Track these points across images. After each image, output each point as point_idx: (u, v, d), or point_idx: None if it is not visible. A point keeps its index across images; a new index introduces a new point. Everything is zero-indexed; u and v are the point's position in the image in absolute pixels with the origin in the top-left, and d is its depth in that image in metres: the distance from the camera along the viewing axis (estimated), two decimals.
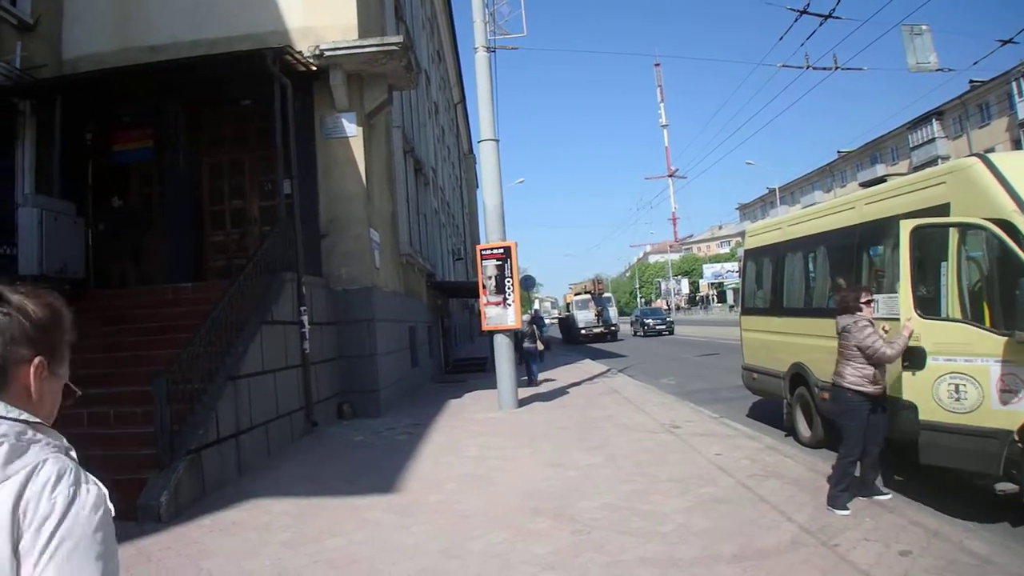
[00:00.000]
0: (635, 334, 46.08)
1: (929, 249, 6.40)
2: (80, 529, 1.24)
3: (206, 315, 8.47)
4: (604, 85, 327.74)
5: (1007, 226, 5.64)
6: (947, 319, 6.07)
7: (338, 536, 6.02)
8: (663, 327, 43.99)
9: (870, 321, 6.20)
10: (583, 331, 41.05)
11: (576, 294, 46.42)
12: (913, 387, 6.10)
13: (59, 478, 1.26)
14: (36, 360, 1.34)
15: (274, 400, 9.73)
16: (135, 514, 6.58)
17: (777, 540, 5.39)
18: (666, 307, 79.03)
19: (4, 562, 1.18)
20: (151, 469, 7.04)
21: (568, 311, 47.31)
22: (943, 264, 6.35)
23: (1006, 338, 5.49)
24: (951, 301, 6.17)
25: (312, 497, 7.35)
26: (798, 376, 9.28)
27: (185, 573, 5.29)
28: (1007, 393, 5.45)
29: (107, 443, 7.71)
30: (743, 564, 4.92)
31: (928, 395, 5.98)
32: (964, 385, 5.76)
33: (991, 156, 6.29)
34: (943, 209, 6.45)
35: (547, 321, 32.36)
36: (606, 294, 46.17)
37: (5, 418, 1.27)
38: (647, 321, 45.47)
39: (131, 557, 5.65)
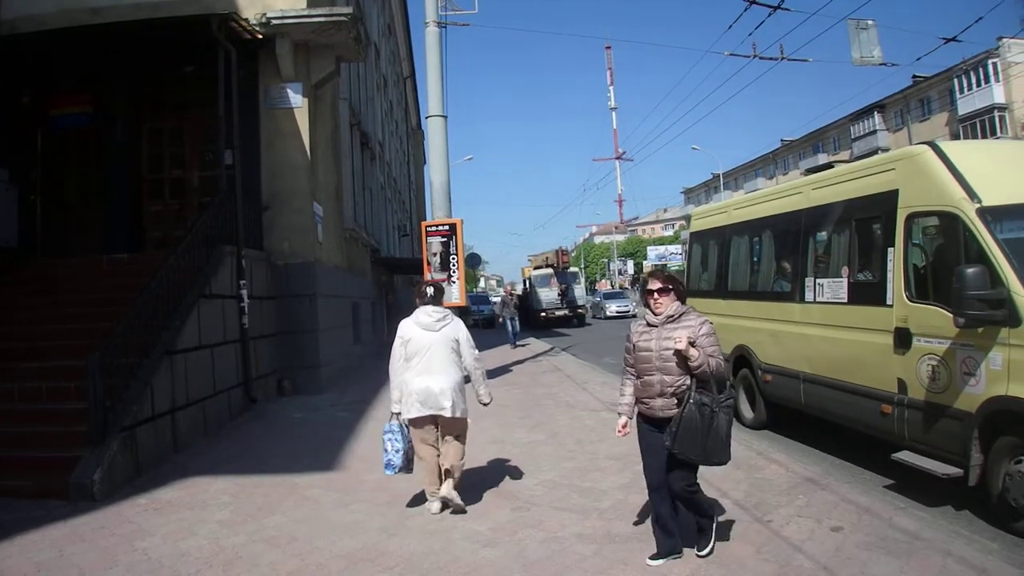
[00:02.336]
0: None
1: (913, 235, 6.36)
2: (467, 331, 5.98)
3: (142, 288, 8.26)
4: (555, 66, 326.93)
5: (956, 216, 5.71)
6: (925, 303, 6.05)
7: (277, 514, 5.96)
8: None
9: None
10: (543, 313, 34.22)
11: (536, 268, 39.48)
12: (903, 367, 6.22)
13: (459, 319, 5.99)
14: (442, 296, 6.11)
15: (211, 376, 9.56)
16: (68, 493, 6.42)
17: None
18: (609, 287, 78.96)
19: (453, 342, 5.80)
20: (84, 446, 6.86)
21: (527, 288, 38.89)
22: (917, 249, 6.39)
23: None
24: (927, 285, 6.20)
25: (250, 475, 7.26)
26: (742, 358, 9.39)
27: (120, 553, 5.18)
28: (967, 375, 5.52)
29: (38, 419, 7.53)
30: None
31: (913, 374, 6.09)
32: (938, 366, 5.82)
33: (941, 144, 6.30)
34: (892, 196, 6.50)
35: (493, 299, 31.97)
36: (571, 269, 38.74)
37: (448, 312, 5.96)
38: None
39: (63, 537, 5.52)
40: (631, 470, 6.88)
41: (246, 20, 11.36)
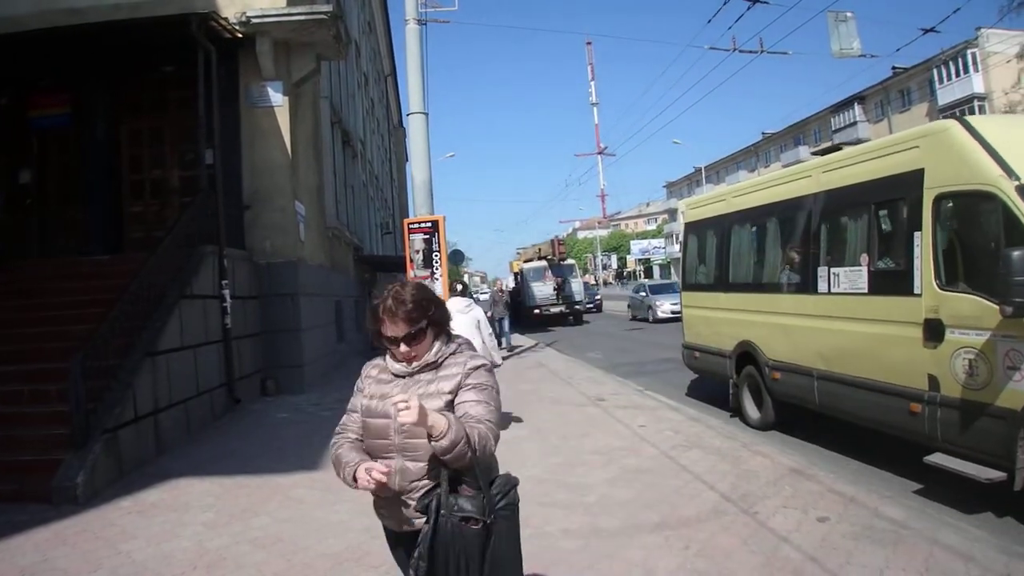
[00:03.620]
0: None
1: (942, 218, 5.79)
2: (484, 314, 8.91)
3: (123, 289, 8.21)
4: (536, 62, 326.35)
5: (993, 195, 5.23)
6: (960, 291, 5.52)
7: (262, 515, 5.95)
8: None
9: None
10: (536, 310, 30.64)
11: (526, 260, 36.17)
12: (935, 362, 5.69)
13: (478, 306, 8.83)
14: (467, 291, 9.69)
15: (194, 377, 9.51)
16: (50, 496, 6.38)
17: (699, 509, 5.53)
18: (594, 282, 79.06)
19: (476, 322, 8.43)
20: (67, 449, 6.81)
21: (518, 283, 34.60)
22: (947, 233, 5.81)
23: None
24: (960, 271, 5.65)
25: (234, 476, 7.23)
26: (746, 355, 8.85)
27: (104, 556, 5.15)
28: (1011, 370, 5.03)
29: (21, 422, 7.46)
30: (665, 533, 5.03)
31: (946, 370, 5.60)
32: (976, 360, 5.31)
33: (969, 119, 5.85)
34: (916, 176, 5.96)
35: (480, 297, 30.98)
36: (568, 260, 34.58)
37: (471, 301, 9.14)
38: None
39: (46, 540, 5.49)
40: (616, 464, 6.93)
41: (226, 19, 11.30)
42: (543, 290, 31.36)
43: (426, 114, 14.00)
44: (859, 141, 42.71)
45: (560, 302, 30.97)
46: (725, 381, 9.47)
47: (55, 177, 12.69)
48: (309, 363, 12.90)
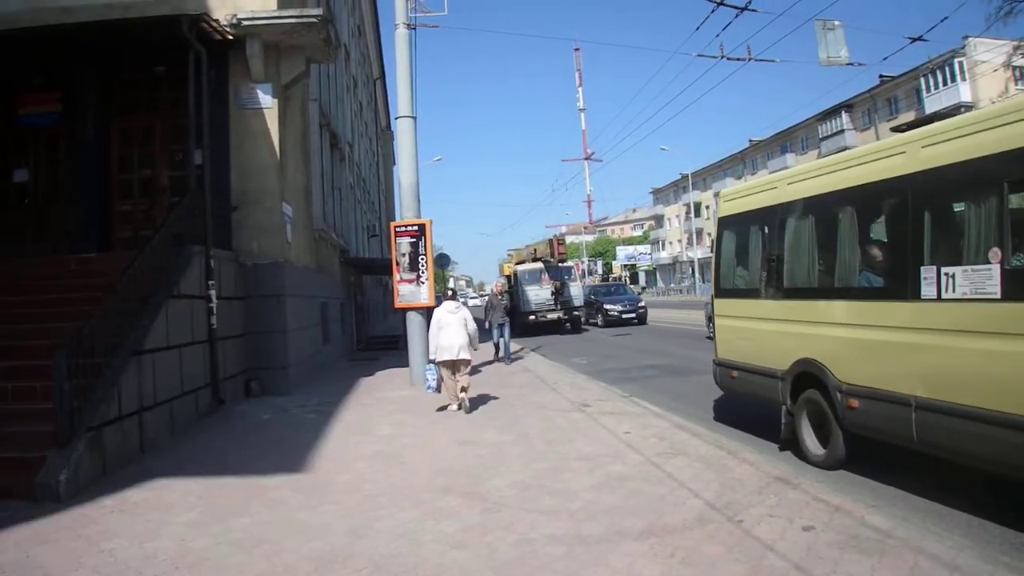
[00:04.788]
0: None
1: None
2: (470, 313, 11.29)
3: (110, 287, 8.19)
4: (525, 66, 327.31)
5: None
6: None
7: (244, 516, 5.93)
8: None
9: None
10: (532, 317, 28.21)
11: (519, 262, 32.67)
12: None
13: (465, 307, 11.28)
14: (456, 295, 12.54)
15: (179, 377, 9.48)
16: (33, 493, 6.36)
17: (683, 516, 5.52)
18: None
19: (464, 320, 10.68)
20: (50, 447, 6.79)
21: (510, 286, 30.43)
22: None
23: None
24: None
25: (218, 476, 7.22)
26: (807, 376, 7.24)
27: (85, 555, 5.13)
28: None
29: (4, 419, 7.41)
30: (650, 541, 5.03)
31: None
32: None
33: None
34: None
35: (467, 302, 30.15)
36: (567, 262, 32.00)
37: (461, 303, 11.34)
38: None
39: (28, 538, 5.47)
40: (601, 471, 6.94)
41: (216, 21, 11.32)
42: (539, 295, 28.72)
43: (414, 118, 14.01)
44: (846, 150, 43.03)
45: (558, 308, 28.50)
46: (773, 406, 7.94)
47: (44, 175, 12.64)
48: (294, 364, 12.88)
